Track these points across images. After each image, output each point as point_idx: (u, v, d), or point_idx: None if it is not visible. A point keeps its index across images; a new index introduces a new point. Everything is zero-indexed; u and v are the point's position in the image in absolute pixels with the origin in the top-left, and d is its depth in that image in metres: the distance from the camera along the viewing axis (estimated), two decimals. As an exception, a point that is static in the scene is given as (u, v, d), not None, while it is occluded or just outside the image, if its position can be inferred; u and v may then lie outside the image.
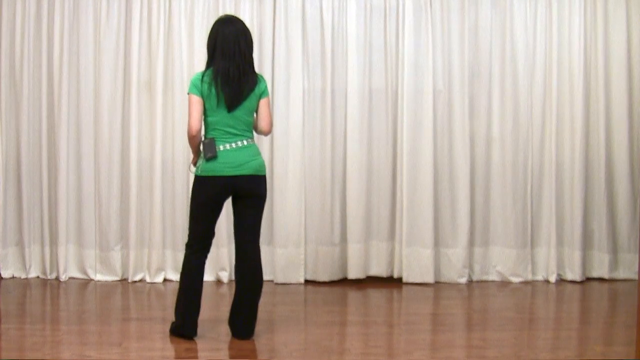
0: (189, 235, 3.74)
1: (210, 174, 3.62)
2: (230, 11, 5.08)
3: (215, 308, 4.39)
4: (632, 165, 5.24)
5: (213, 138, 3.63)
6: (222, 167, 3.62)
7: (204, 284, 4.94)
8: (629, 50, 5.21)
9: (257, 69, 5.05)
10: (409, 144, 5.12)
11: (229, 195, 3.70)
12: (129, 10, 5.08)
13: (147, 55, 5.08)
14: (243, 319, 3.74)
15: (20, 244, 5.19)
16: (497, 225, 5.23)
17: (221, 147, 3.62)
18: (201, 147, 3.68)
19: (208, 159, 3.62)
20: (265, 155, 5.13)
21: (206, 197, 3.67)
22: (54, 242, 5.14)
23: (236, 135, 3.65)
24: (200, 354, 3.56)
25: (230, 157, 3.62)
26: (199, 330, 3.83)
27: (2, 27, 5.09)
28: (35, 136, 5.13)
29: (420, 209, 5.12)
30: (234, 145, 3.64)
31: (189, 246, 3.75)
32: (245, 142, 3.67)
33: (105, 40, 5.08)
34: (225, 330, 3.87)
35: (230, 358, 3.51)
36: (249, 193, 3.69)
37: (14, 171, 5.16)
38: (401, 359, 3.50)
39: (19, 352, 3.51)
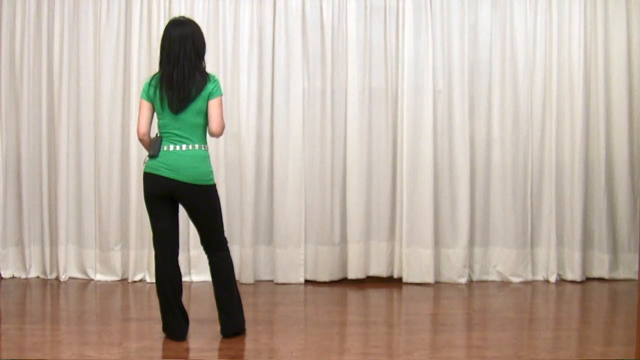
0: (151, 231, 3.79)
1: (150, 171, 3.64)
2: (230, 11, 5.08)
3: (215, 308, 4.38)
4: (632, 165, 5.23)
5: (160, 137, 3.65)
6: (160, 167, 3.61)
7: (205, 284, 4.99)
8: (629, 50, 5.21)
9: (257, 69, 5.10)
10: (409, 144, 5.12)
11: (170, 196, 3.66)
12: (129, 10, 5.08)
13: (147, 55, 5.08)
14: (225, 316, 3.76)
15: (20, 244, 5.19)
16: (497, 225, 5.23)
17: (165, 148, 3.63)
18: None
19: (150, 157, 3.65)
20: (265, 155, 5.14)
21: (148, 194, 3.68)
22: (54, 242, 5.15)
23: (183, 138, 3.62)
24: (200, 354, 3.56)
25: (170, 159, 3.61)
26: (199, 330, 3.84)
27: (2, 27, 5.10)
28: (35, 136, 5.14)
29: (420, 209, 5.12)
30: (177, 148, 3.61)
31: (153, 244, 3.76)
32: (190, 147, 3.63)
33: (105, 40, 5.08)
34: (225, 330, 3.87)
35: (230, 358, 3.51)
36: (186, 201, 3.67)
37: (14, 171, 5.16)
38: (401, 359, 3.50)
39: (19, 352, 3.51)
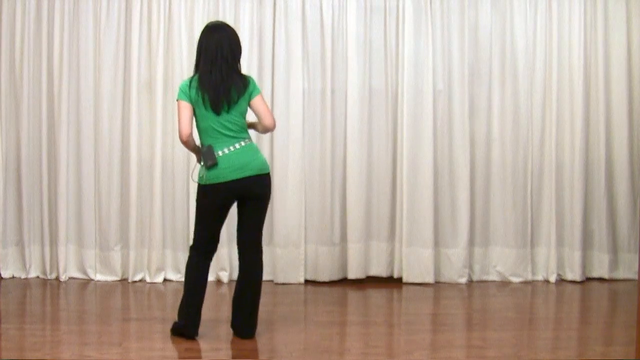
0: (195, 239, 3.76)
1: (215, 181, 3.60)
2: (230, 11, 5.08)
3: (215, 308, 4.39)
4: (632, 165, 5.24)
5: (211, 145, 3.62)
6: (226, 172, 3.60)
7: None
8: (629, 50, 5.21)
9: (257, 69, 5.10)
10: (409, 144, 5.12)
11: (236, 198, 3.70)
12: (129, 10, 5.08)
13: (147, 55, 5.08)
14: (245, 318, 3.75)
15: (20, 244, 5.19)
16: (497, 225, 5.23)
17: (220, 153, 3.61)
18: (201, 156, 3.66)
19: (209, 167, 3.60)
20: (265, 155, 5.12)
21: (213, 205, 3.66)
22: (54, 242, 5.14)
23: (232, 137, 3.64)
24: (201, 354, 3.56)
25: (232, 161, 3.61)
26: (200, 330, 3.84)
27: (2, 27, 5.09)
28: (35, 136, 5.14)
29: (420, 209, 5.12)
30: (232, 148, 3.62)
31: (193, 248, 3.76)
32: (243, 143, 3.66)
33: (105, 40, 5.08)
34: (225, 330, 3.87)
35: (231, 358, 3.51)
36: (254, 194, 3.68)
37: (14, 171, 5.16)
38: (401, 359, 3.50)
39: (19, 352, 3.51)
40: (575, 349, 3.69)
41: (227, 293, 4.82)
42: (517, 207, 5.21)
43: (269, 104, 5.10)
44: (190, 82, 3.66)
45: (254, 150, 3.71)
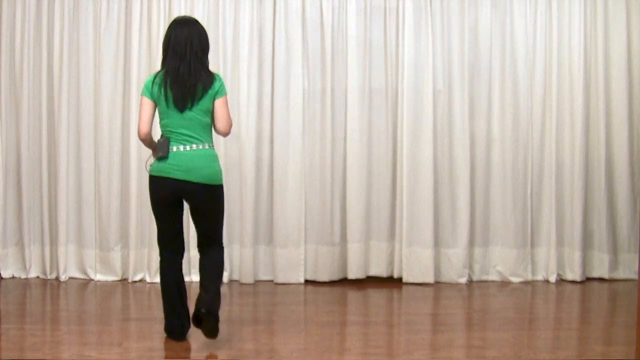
0: (157, 234, 3.72)
1: (159, 174, 3.56)
2: (230, 11, 5.08)
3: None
4: (632, 165, 5.24)
5: (168, 138, 3.55)
6: (171, 169, 3.53)
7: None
8: (629, 50, 5.21)
9: (257, 69, 5.11)
10: (409, 144, 5.12)
11: (182, 198, 3.62)
12: (129, 10, 5.08)
13: (147, 55, 5.08)
14: (203, 293, 3.61)
15: (20, 244, 5.19)
16: (497, 225, 5.23)
17: (174, 149, 3.54)
18: (156, 146, 3.60)
19: (159, 159, 3.55)
20: (265, 155, 5.14)
21: (157, 197, 3.60)
22: (54, 242, 5.15)
23: (191, 138, 3.55)
24: (200, 354, 3.56)
25: (181, 160, 3.53)
26: (200, 330, 3.84)
27: (2, 27, 5.10)
28: (35, 136, 5.14)
29: (420, 209, 5.12)
30: (187, 148, 3.54)
31: (159, 245, 3.70)
32: (200, 147, 3.56)
33: (105, 40, 5.08)
34: (225, 330, 3.87)
35: (230, 358, 3.51)
36: (199, 202, 3.60)
37: (14, 171, 5.16)
38: (401, 359, 3.50)
39: (19, 352, 3.51)
40: (575, 349, 3.69)
41: (226, 293, 4.82)
42: (517, 207, 5.21)
43: (268, 104, 5.12)
44: (154, 78, 3.58)
45: (210, 158, 3.59)
